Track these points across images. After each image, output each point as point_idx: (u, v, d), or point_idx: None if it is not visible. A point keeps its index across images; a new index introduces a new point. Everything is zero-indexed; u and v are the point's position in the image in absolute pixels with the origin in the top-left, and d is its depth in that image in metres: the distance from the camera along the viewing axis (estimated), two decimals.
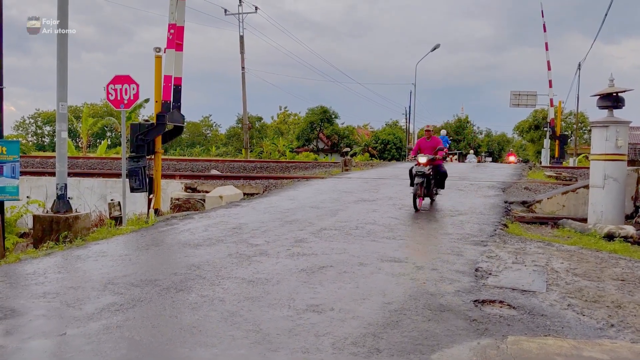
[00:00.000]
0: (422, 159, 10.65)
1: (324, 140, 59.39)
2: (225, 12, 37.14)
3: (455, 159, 55.32)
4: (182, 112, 12.58)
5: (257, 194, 14.34)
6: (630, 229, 9.33)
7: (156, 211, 11.60)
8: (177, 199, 14.00)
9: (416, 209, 10.47)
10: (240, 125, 55.51)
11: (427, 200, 11.38)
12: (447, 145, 37.00)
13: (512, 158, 47.63)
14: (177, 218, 9.95)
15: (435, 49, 44.66)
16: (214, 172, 20.48)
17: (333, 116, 58.40)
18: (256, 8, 36.91)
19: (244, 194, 14.31)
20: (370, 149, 53.87)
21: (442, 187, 11.74)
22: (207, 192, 14.37)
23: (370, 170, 21.24)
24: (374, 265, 6.30)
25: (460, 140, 65.03)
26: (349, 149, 33.38)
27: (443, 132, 31.29)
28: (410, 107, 50.11)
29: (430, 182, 10.93)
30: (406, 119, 53.41)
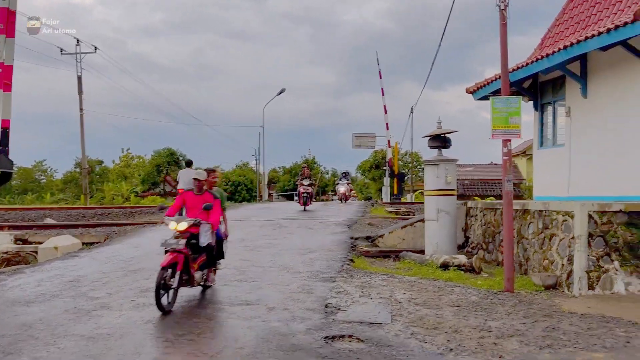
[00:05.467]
0: (182, 224, 6.63)
1: (171, 184, 57.71)
2: (61, 51, 35.08)
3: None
4: (10, 157, 11.57)
5: (97, 242, 13.43)
6: (462, 258, 10.18)
7: None
8: (5, 252, 12.65)
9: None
10: (78, 169, 52.04)
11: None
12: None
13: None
14: (5, 273, 8.99)
15: (281, 92, 45.99)
16: (48, 220, 18.85)
17: (181, 158, 57.21)
18: (95, 48, 35.37)
19: (83, 243, 13.32)
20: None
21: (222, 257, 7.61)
22: (40, 243, 13.17)
23: None
24: (226, 310, 6.17)
25: None
26: None
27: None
28: (259, 148, 50.73)
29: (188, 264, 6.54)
30: (256, 160, 53.92)
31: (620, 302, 7.19)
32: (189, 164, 16.24)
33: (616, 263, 7.73)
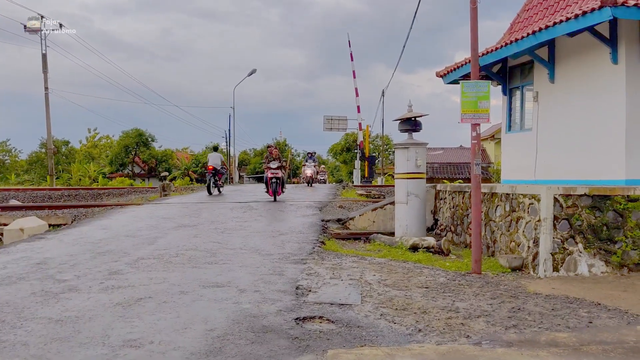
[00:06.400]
0: None
1: (140, 165, 56.97)
2: (24, 28, 34.01)
3: None
4: None
5: (65, 224, 13.21)
6: (431, 240, 10.32)
7: None
8: None
9: None
10: (44, 150, 50.88)
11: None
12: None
13: None
14: None
15: (251, 74, 45.52)
16: (13, 202, 18.46)
17: (150, 139, 56.38)
18: (61, 25, 34.42)
19: (50, 225, 13.09)
20: (190, 172, 52.93)
21: None
22: (5, 225, 12.89)
23: (190, 195, 20.79)
24: (196, 292, 6.15)
25: None
26: (167, 174, 32.41)
27: None
28: (230, 130, 50.27)
29: None
30: (227, 142, 53.41)
31: (584, 283, 7.40)
32: (215, 148, 21.32)
33: (580, 245, 7.94)
